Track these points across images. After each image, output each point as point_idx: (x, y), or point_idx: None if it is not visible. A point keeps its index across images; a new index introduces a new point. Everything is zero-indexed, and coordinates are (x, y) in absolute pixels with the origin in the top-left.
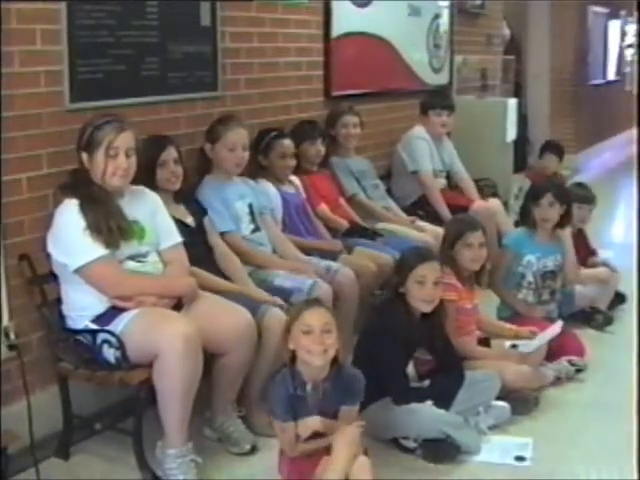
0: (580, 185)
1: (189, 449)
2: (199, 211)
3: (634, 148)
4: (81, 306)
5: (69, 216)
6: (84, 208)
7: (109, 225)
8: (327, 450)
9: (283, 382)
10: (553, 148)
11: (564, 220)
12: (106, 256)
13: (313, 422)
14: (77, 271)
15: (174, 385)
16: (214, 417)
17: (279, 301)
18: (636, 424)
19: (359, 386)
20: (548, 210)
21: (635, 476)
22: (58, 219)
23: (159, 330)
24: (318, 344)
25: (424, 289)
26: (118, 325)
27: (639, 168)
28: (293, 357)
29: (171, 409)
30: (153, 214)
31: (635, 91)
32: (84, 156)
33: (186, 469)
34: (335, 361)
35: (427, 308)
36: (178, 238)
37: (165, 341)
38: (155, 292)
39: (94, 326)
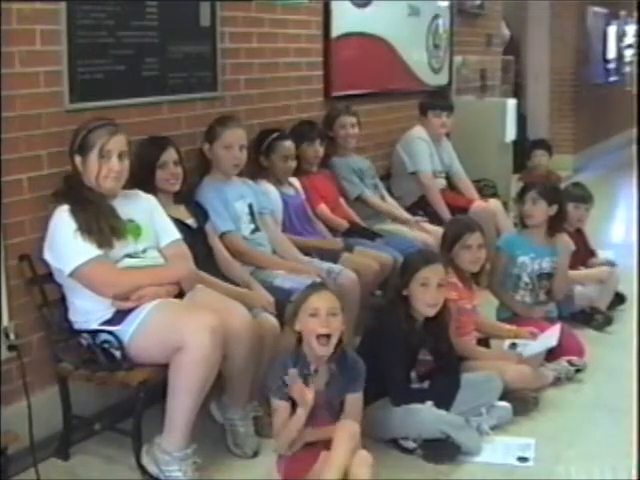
0: (577, 185)
1: (192, 451)
2: (200, 213)
3: (634, 148)
4: (86, 311)
5: (60, 221)
6: (75, 211)
7: (100, 225)
8: (325, 445)
9: (283, 362)
10: (540, 144)
11: (557, 221)
12: (98, 257)
13: (309, 434)
14: (71, 275)
15: (193, 380)
16: (227, 408)
17: (271, 308)
18: (636, 424)
19: (362, 371)
20: (531, 206)
21: (635, 476)
22: (50, 226)
23: (184, 323)
24: (324, 326)
25: (428, 292)
26: (131, 324)
27: (639, 168)
28: (299, 339)
29: (183, 407)
30: (150, 214)
31: (635, 91)
32: (77, 159)
33: (188, 472)
34: (339, 344)
35: (431, 312)
36: (177, 235)
37: (191, 334)
38: (151, 282)
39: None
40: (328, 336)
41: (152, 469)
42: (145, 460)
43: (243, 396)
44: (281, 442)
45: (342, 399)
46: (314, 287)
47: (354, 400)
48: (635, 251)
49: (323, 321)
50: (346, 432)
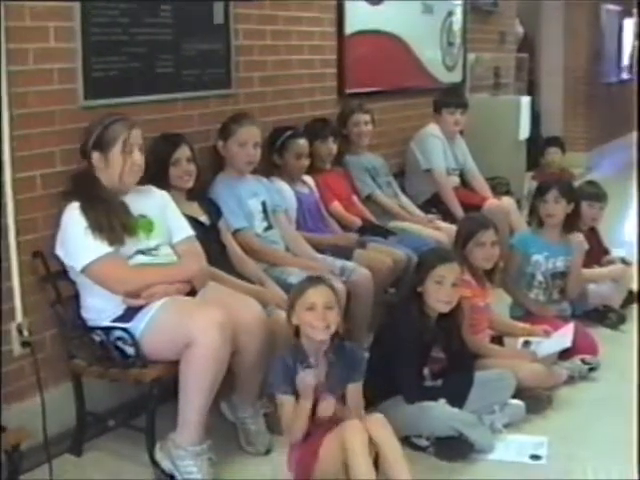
0: (591, 183)
1: (207, 447)
2: (213, 210)
3: None
4: (98, 309)
5: (71, 219)
6: (85, 209)
7: (111, 223)
8: (330, 429)
9: (283, 357)
10: (554, 142)
11: (572, 219)
12: (109, 254)
13: (328, 404)
14: (83, 271)
15: (204, 376)
16: (238, 406)
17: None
18: (636, 425)
19: (361, 360)
20: (553, 206)
21: (636, 476)
22: (62, 223)
23: (192, 319)
24: (321, 320)
25: (442, 289)
26: (141, 321)
27: (639, 168)
28: (296, 332)
29: (195, 403)
30: (162, 210)
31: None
32: (95, 155)
33: (203, 467)
34: (336, 335)
35: (445, 308)
36: (190, 231)
37: (199, 330)
38: (162, 281)
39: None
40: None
41: (166, 464)
42: (159, 456)
43: (253, 393)
44: (294, 434)
45: (343, 391)
46: (311, 281)
47: (355, 390)
48: (635, 250)
49: (320, 315)
50: (356, 434)
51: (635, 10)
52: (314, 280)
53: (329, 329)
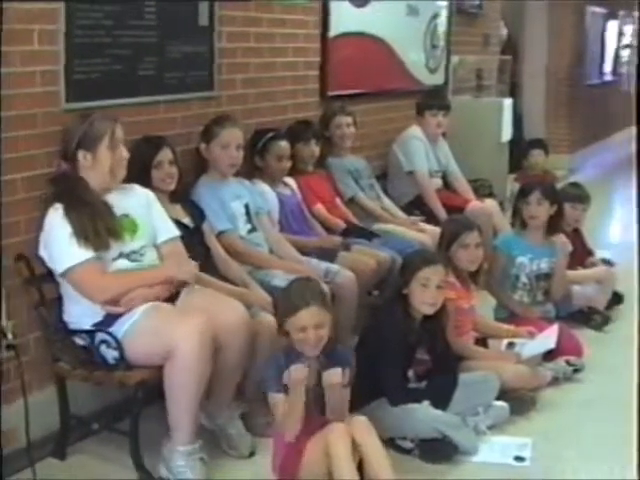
0: (574, 185)
1: (199, 447)
2: (197, 213)
3: (630, 148)
4: (78, 314)
5: (55, 220)
6: (69, 212)
7: (96, 228)
8: (312, 433)
9: (276, 356)
10: (537, 144)
11: (555, 221)
12: (90, 259)
13: (334, 372)
14: (63, 275)
15: (189, 382)
16: (214, 413)
17: (269, 307)
18: (636, 425)
19: (351, 361)
20: (536, 208)
21: (635, 476)
22: (45, 225)
23: (172, 327)
24: (311, 338)
25: (427, 292)
26: (121, 327)
27: (638, 167)
28: (287, 333)
29: (183, 407)
30: (147, 208)
31: (633, 91)
32: (81, 154)
33: (195, 467)
34: (329, 340)
35: (429, 310)
36: (175, 232)
37: (180, 338)
38: (141, 285)
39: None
40: None
41: (163, 472)
42: (154, 463)
43: (229, 394)
44: (288, 432)
45: None
46: (303, 300)
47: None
48: (635, 251)
49: (311, 335)
50: (339, 435)
51: (621, 12)
52: (306, 299)
53: (320, 344)
